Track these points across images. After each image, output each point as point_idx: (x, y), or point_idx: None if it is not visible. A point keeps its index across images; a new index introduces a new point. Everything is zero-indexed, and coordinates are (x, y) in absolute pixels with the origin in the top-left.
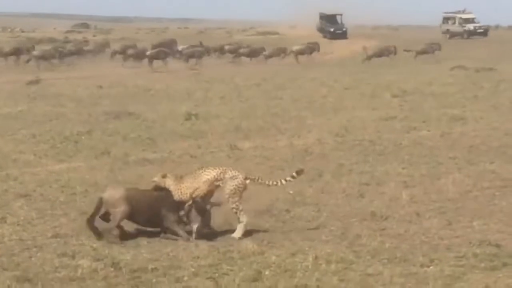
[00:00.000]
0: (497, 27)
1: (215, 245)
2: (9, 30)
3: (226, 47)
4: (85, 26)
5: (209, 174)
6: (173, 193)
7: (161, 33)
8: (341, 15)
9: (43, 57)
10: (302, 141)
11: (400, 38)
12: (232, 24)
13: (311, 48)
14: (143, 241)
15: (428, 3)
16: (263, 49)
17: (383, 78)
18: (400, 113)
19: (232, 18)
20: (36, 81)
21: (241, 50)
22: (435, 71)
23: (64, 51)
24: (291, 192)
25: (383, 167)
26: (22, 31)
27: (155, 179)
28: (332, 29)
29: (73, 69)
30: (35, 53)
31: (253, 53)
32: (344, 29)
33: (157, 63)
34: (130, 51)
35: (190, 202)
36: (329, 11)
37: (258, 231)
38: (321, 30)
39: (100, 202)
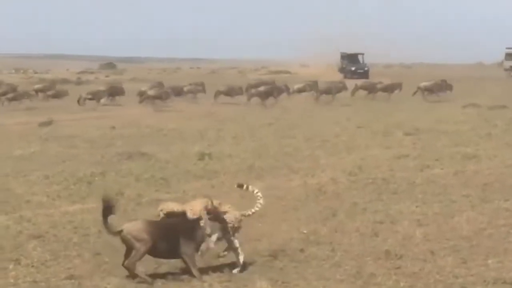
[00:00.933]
0: None
1: (230, 286)
2: (21, 71)
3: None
4: (112, 66)
5: None
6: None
7: (172, 73)
8: (362, 54)
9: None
10: (316, 180)
11: (410, 75)
12: (243, 63)
13: (339, 88)
14: (157, 282)
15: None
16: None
17: (395, 116)
18: (413, 151)
19: (244, 57)
20: (49, 122)
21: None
22: (448, 109)
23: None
24: (305, 231)
25: (397, 206)
26: (35, 72)
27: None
28: (353, 68)
29: (85, 109)
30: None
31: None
32: (366, 69)
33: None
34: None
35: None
36: (350, 50)
37: (272, 271)
38: (342, 70)
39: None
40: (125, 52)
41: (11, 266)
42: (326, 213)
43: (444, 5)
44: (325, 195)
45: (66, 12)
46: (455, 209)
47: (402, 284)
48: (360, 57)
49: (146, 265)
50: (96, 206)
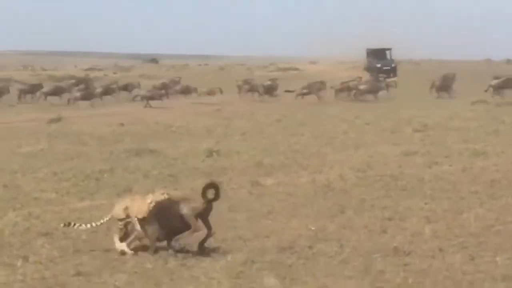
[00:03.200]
0: None
1: (238, 282)
2: (30, 68)
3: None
4: (155, 61)
5: None
6: None
7: (181, 70)
8: (390, 49)
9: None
10: (324, 177)
11: (418, 72)
12: (252, 60)
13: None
14: (165, 278)
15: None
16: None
17: (404, 113)
18: (421, 148)
19: (252, 54)
20: (57, 119)
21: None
22: (456, 106)
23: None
24: (313, 228)
25: (406, 202)
26: (44, 69)
27: None
28: (379, 65)
29: (94, 107)
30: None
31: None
32: (393, 65)
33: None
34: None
35: None
36: (376, 45)
37: (280, 267)
38: (368, 68)
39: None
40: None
41: (19, 263)
42: (335, 210)
43: (452, 1)
44: (333, 191)
45: (73, 9)
46: (463, 206)
47: (410, 280)
48: (387, 52)
49: (153, 261)
50: (105, 202)
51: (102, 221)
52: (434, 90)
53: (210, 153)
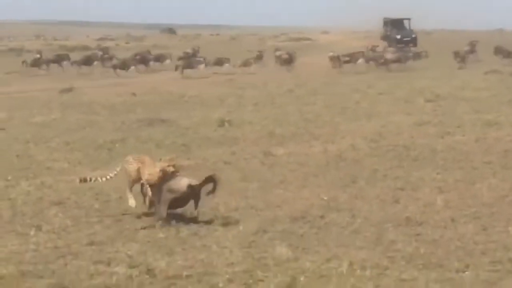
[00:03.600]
0: None
1: (250, 251)
2: (42, 38)
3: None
4: (172, 31)
5: None
6: None
7: (193, 40)
8: (409, 19)
9: None
10: (336, 147)
11: (430, 42)
12: (264, 30)
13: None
14: (177, 247)
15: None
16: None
17: (416, 83)
18: (434, 118)
19: (264, 24)
20: (69, 89)
21: None
22: (469, 76)
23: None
24: (325, 198)
25: (418, 173)
26: (55, 39)
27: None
28: (398, 36)
29: (106, 76)
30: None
31: None
32: (413, 36)
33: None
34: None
35: None
36: (394, 15)
37: (292, 237)
38: (385, 37)
39: None
40: (145, 19)
41: (32, 232)
42: (347, 180)
43: None
44: (345, 161)
45: None
46: (476, 176)
47: (422, 250)
48: (406, 22)
49: (166, 230)
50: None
51: (115, 172)
52: (460, 59)
53: (222, 122)
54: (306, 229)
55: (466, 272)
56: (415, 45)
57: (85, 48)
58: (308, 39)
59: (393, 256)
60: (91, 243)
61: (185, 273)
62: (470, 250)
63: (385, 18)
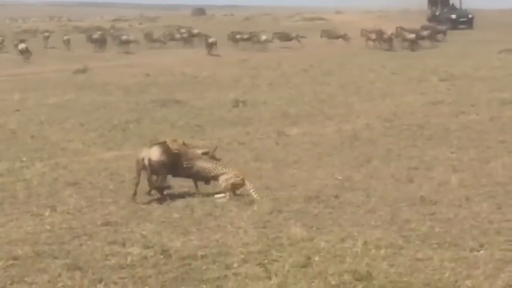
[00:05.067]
0: None
1: (264, 232)
2: (56, 19)
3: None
4: (203, 12)
5: None
6: None
7: (207, 20)
8: None
9: None
10: (350, 127)
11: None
12: (277, 10)
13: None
14: (192, 227)
15: None
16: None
17: (430, 62)
18: (448, 97)
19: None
20: (83, 70)
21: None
22: (483, 55)
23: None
24: (339, 177)
25: (432, 152)
26: (69, 20)
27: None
28: (453, 16)
29: (119, 57)
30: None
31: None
32: (470, 16)
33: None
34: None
35: None
36: None
37: (307, 216)
38: (434, 18)
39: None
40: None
41: (47, 213)
42: (361, 159)
43: None
44: (359, 141)
45: None
46: (490, 155)
47: (437, 229)
48: (455, 0)
49: (180, 210)
50: (131, 153)
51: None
52: None
53: (236, 103)
54: (320, 209)
55: (481, 251)
56: (471, 27)
57: (99, 28)
58: (322, 19)
59: (408, 235)
60: (106, 224)
61: (200, 253)
62: (484, 229)
63: None
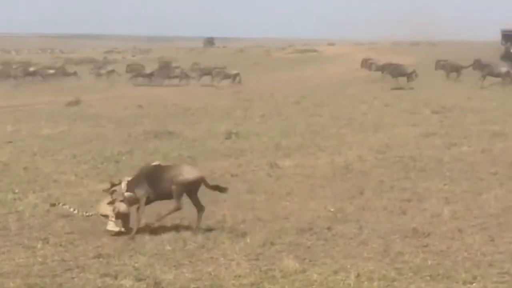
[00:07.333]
0: None
1: (257, 264)
2: (49, 51)
3: None
4: (211, 43)
5: None
6: None
7: (202, 52)
8: None
9: None
10: (343, 159)
11: (435, 54)
12: (270, 42)
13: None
14: (184, 260)
15: None
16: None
17: (422, 94)
18: (440, 129)
19: (270, 36)
20: (76, 102)
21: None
22: (474, 87)
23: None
24: (332, 209)
25: (425, 184)
26: (62, 52)
27: None
28: None
29: (112, 89)
30: None
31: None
32: None
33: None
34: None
35: None
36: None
37: (299, 249)
38: (508, 57)
39: None
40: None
41: (39, 245)
42: (353, 191)
43: None
44: (352, 173)
45: None
46: (483, 187)
47: (429, 262)
48: None
49: (173, 243)
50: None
51: (89, 213)
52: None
53: (229, 135)
54: (313, 241)
55: (474, 284)
56: None
57: (92, 60)
58: (314, 50)
59: (401, 267)
60: (98, 256)
61: (192, 286)
62: (477, 261)
63: (503, 30)
